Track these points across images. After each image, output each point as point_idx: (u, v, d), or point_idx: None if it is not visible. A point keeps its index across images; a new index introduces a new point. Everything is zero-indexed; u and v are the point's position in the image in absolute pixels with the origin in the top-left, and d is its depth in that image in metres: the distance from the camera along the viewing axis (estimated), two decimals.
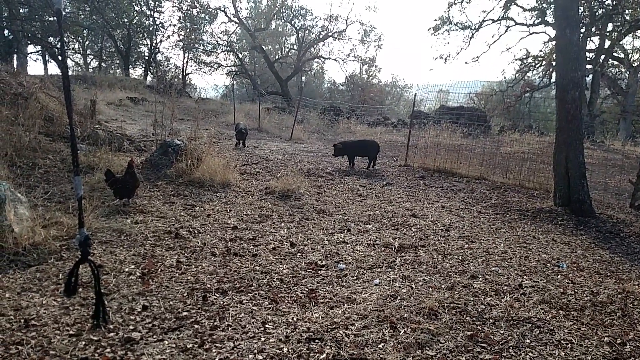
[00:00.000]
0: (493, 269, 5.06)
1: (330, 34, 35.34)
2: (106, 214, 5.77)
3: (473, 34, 25.92)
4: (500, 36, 29.02)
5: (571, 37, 7.76)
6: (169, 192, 7.20)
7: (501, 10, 25.14)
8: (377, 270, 4.79)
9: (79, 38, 38.21)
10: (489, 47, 27.37)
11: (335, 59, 36.98)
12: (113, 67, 42.92)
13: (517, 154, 13.33)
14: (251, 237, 5.53)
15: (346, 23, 35.06)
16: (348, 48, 43.10)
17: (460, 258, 5.34)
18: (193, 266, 4.52)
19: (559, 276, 5.01)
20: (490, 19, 25.49)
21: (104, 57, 41.17)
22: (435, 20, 27.36)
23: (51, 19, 24.65)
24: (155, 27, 36.09)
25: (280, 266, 4.71)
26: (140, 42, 38.44)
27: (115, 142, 10.25)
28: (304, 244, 5.48)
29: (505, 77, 30.33)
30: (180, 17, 35.81)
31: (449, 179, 10.68)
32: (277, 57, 38.16)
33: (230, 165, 8.76)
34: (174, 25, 36.77)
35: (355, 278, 4.55)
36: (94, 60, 42.96)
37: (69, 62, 40.58)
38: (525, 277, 4.89)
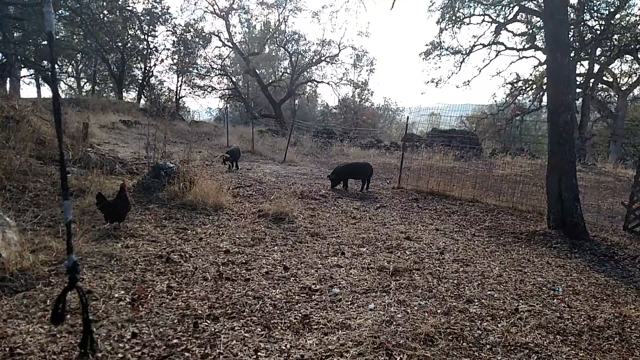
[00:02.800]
0: (489, 293, 5.01)
1: (323, 58, 35.80)
2: (96, 238, 5.68)
3: (464, 59, 26.35)
4: (490, 60, 29.41)
5: (562, 61, 7.87)
6: (161, 216, 7.12)
7: (492, 35, 25.64)
8: (372, 295, 4.72)
9: (73, 61, 38.41)
10: (480, 71, 28.10)
11: (328, 83, 37.38)
12: (107, 90, 43.01)
13: (509, 177, 13.40)
14: (243, 261, 5.45)
15: (339, 47, 35.59)
16: (341, 72, 43.20)
17: (455, 282, 5.29)
18: (184, 291, 4.43)
19: (555, 300, 4.96)
20: (480, 44, 25.96)
21: (97, 81, 41.34)
22: (427, 45, 27.81)
23: (45, 42, 24.79)
24: (149, 50, 36.37)
25: (273, 291, 4.63)
26: (134, 65, 38.69)
27: (107, 165, 10.21)
28: (297, 267, 5.41)
29: (496, 101, 30.74)
30: (174, 41, 36.15)
31: (442, 202, 10.67)
32: (270, 81, 38.50)
33: (223, 188, 8.71)
34: (168, 50, 37.04)
35: (349, 303, 4.48)
36: (87, 83, 43.09)
37: (62, 86, 40.72)
38: (521, 301, 4.84)
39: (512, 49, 26.45)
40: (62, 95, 36.91)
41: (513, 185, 11.74)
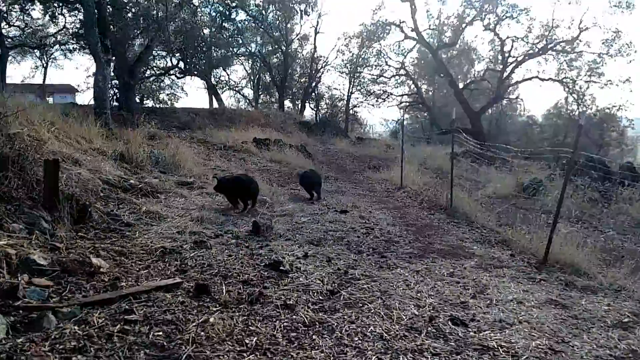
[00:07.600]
0: None
1: (550, 44, 23.81)
2: None
3: None
4: None
5: None
6: None
7: None
8: None
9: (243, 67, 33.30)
10: None
11: (561, 80, 24.26)
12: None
13: None
14: None
15: (579, 28, 23.10)
16: (577, 64, 26.36)
17: None
18: None
19: None
20: None
21: (263, 90, 35.50)
22: None
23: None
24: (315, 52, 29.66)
25: None
26: (299, 70, 32.24)
27: None
28: None
29: None
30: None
31: None
32: (466, 82, 28.07)
33: None
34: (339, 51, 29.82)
35: None
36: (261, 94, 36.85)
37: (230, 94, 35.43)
38: None
39: None
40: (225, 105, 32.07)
41: None
